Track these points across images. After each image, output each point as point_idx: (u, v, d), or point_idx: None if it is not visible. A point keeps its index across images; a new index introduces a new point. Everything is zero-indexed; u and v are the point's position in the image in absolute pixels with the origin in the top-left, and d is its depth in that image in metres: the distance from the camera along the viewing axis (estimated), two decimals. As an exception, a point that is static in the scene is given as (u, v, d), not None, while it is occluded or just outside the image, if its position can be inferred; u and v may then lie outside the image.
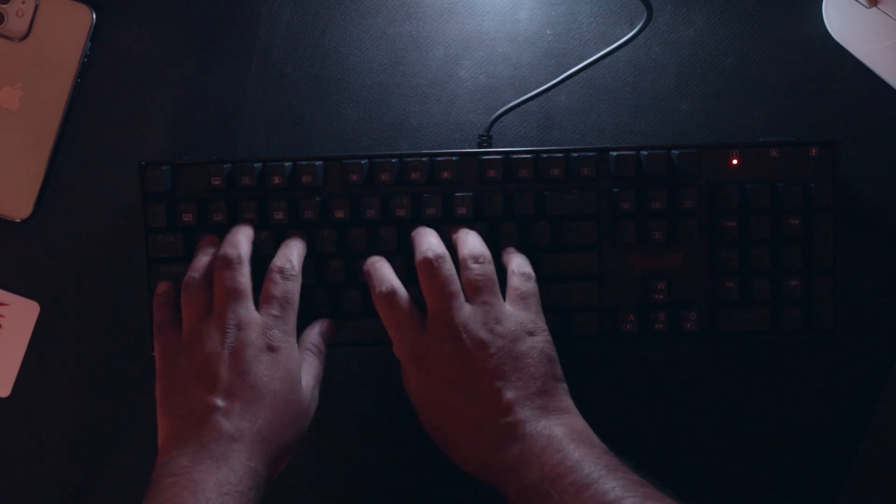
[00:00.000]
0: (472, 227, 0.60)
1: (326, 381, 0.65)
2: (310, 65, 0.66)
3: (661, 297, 0.60)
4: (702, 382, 0.65)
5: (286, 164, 0.61)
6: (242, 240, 0.58)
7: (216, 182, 0.61)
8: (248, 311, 0.55)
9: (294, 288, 0.57)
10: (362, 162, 0.61)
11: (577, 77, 0.63)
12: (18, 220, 0.65)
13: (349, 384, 0.65)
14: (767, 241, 0.60)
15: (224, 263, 0.56)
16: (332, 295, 0.61)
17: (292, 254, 0.58)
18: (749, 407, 0.65)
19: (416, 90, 0.66)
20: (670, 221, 0.61)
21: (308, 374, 0.57)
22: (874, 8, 0.62)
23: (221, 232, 0.61)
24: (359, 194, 0.61)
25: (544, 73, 0.65)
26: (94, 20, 0.65)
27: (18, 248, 0.66)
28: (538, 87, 0.63)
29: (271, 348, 0.54)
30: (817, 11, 0.65)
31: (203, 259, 0.58)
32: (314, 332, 0.59)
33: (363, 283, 0.61)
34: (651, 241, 0.60)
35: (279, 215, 0.61)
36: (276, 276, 0.56)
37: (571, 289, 0.61)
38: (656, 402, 0.65)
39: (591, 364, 0.65)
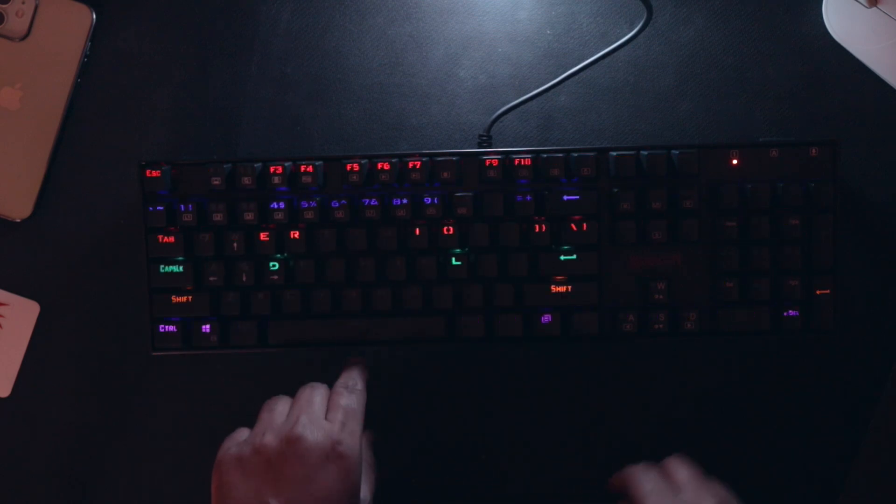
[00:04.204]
0: (471, 227, 0.60)
1: (325, 382, 0.65)
2: (310, 65, 0.66)
3: (661, 297, 0.60)
4: (702, 382, 0.65)
5: (286, 164, 0.61)
6: (326, 386, 0.59)
7: (216, 182, 0.61)
8: (318, 416, 0.55)
9: (357, 401, 0.57)
10: (362, 162, 0.61)
11: (577, 77, 0.63)
12: (18, 220, 0.65)
13: (349, 384, 0.65)
14: (767, 241, 0.60)
15: (305, 386, 0.58)
16: (332, 295, 0.61)
17: (356, 373, 0.59)
18: (749, 407, 0.65)
19: (416, 90, 0.66)
20: (670, 221, 0.61)
21: (365, 485, 0.58)
22: (874, 8, 0.62)
23: (221, 232, 0.61)
24: (359, 194, 0.61)
25: (544, 73, 0.65)
26: (94, 20, 0.65)
27: (18, 248, 0.66)
28: (538, 87, 0.63)
29: (338, 454, 0.53)
30: (817, 11, 0.65)
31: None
32: (365, 448, 0.59)
33: (363, 282, 0.61)
34: (651, 241, 0.60)
35: (279, 215, 0.61)
36: (342, 389, 0.57)
37: (571, 289, 0.61)
38: (656, 402, 0.65)
39: (591, 364, 0.65)
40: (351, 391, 0.57)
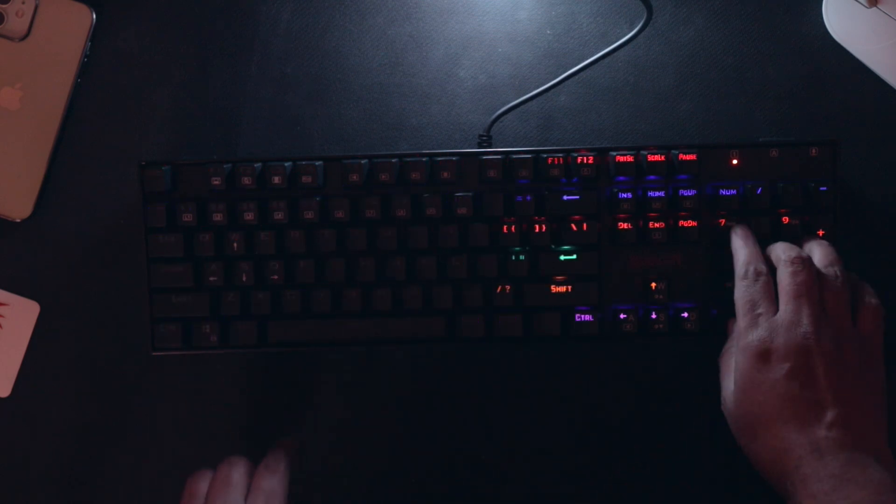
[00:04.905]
0: (471, 227, 0.60)
1: (326, 382, 0.65)
2: (310, 65, 0.66)
3: (661, 297, 0.60)
4: (702, 382, 0.65)
5: (286, 164, 0.61)
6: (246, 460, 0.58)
7: (216, 182, 0.61)
8: (234, 500, 0.54)
9: (278, 482, 0.56)
10: (362, 162, 0.61)
11: (577, 77, 0.63)
12: (18, 220, 0.65)
13: (349, 384, 0.65)
14: (767, 241, 0.60)
15: (224, 462, 0.56)
16: (332, 295, 0.61)
17: (280, 453, 0.58)
18: (749, 407, 0.65)
19: (416, 90, 0.66)
20: (670, 221, 0.61)
21: None
22: (874, 8, 0.62)
23: (221, 232, 0.61)
24: (359, 194, 0.61)
25: (544, 73, 0.65)
26: (94, 20, 0.65)
27: (18, 248, 0.66)
28: (538, 87, 0.63)
29: None
30: (817, 11, 0.65)
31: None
32: None
33: (363, 282, 0.61)
34: (651, 241, 0.60)
35: (279, 215, 0.61)
36: (263, 471, 0.56)
37: (571, 289, 0.61)
38: (656, 402, 0.65)
39: (591, 364, 0.65)
40: (273, 472, 0.56)
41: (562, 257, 0.61)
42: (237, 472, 0.56)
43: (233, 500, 0.54)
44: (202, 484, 0.56)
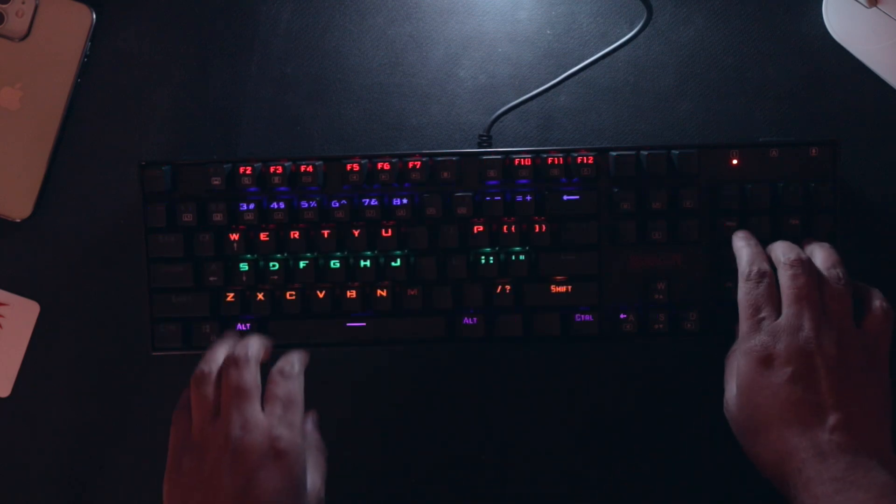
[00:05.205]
0: (471, 227, 0.60)
1: (326, 382, 0.65)
2: (310, 65, 0.66)
3: (661, 297, 0.60)
4: (702, 382, 0.65)
5: (286, 164, 0.61)
6: (255, 342, 0.55)
7: (216, 182, 0.61)
8: (253, 411, 0.52)
9: (296, 387, 0.54)
10: (362, 162, 0.61)
11: (577, 77, 0.63)
12: (18, 220, 0.65)
13: (349, 384, 0.65)
14: (767, 241, 0.60)
15: (231, 361, 0.54)
16: (332, 295, 0.61)
17: (293, 357, 0.56)
18: (749, 407, 0.65)
19: (416, 90, 0.66)
20: (670, 221, 0.61)
21: (314, 472, 0.55)
22: (874, 8, 0.62)
23: (221, 232, 0.61)
24: (359, 194, 0.61)
25: (544, 73, 0.65)
26: (94, 20, 0.65)
27: (18, 248, 0.66)
28: (538, 87, 0.63)
29: (277, 452, 0.51)
30: (817, 11, 0.65)
31: (218, 353, 0.55)
32: (309, 428, 0.56)
33: (363, 282, 0.61)
34: (651, 241, 0.60)
35: (279, 215, 0.61)
36: (277, 377, 0.54)
37: (571, 289, 0.61)
38: (656, 402, 0.65)
39: (591, 364, 0.65)
40: (287, 377, 0.54)
41: (562, 257, 0.61)
42: (249, 375, 0.53)
43: (250, 411, 0.52)
44: (209, 389, 0.53)
